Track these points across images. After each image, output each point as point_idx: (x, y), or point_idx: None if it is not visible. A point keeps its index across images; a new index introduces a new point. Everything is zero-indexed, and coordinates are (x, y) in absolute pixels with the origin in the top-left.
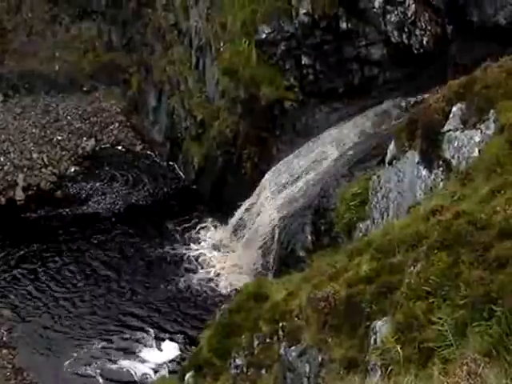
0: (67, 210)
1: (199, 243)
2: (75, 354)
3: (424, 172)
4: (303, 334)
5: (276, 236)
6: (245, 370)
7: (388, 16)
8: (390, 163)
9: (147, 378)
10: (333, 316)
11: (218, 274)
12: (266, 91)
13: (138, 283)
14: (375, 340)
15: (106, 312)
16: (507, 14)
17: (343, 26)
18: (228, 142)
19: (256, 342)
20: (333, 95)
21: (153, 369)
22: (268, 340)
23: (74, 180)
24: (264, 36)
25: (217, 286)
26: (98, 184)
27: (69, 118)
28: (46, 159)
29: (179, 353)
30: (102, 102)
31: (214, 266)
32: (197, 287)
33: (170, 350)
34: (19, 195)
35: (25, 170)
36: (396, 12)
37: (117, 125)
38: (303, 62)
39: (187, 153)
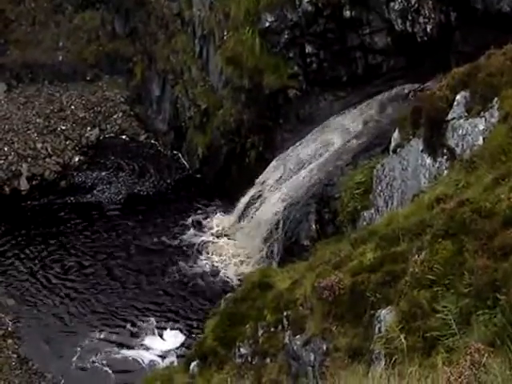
0: (72, 198)
1: (203, 232)
2: (80, 344)
3: (428, 160)
4: (308, 323)
5: (280, 225)
6: (249, 358)
7: (392, 4)
8: (394, 151)
9: (155, 364)
10: (337, 305)
11: (222, 263)
12: (270, 80)
13: (141, 271)
14: (379, 329)
15: (110, 301)
16: (511, 1)
17: (347, 14)
18: (232, 130)
19: (261, 331)
20: (337, 83)
21: (160, 356)
22: (272, 329)
23: (78, 169)
24: (267, 25)
25: (221, 274)
26: (103, 173)
27: (72, 107)
28: (49, 149)
29: (184, 341)
30: (105, 92)
31: (218, 255)
32: (200, 276)
33: (175, 338)
34: (23, 185)
35: (29, 159)
36: (400, 0)
37: (120, 114)
38: (307, 51)
39: (191, 142)
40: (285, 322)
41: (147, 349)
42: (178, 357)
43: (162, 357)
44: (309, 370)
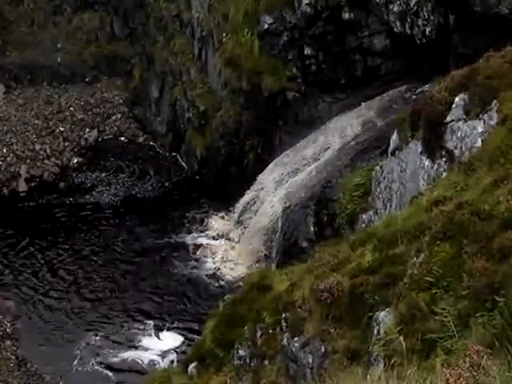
0: (71, 199)
1: (202, 233)
2: (78, 345)
3: (427, 162)
4: (306, 325)
5: (279, 226)
6: (248, 360)
7: (391, 6)
8: (393, 154)
9: (155, 364)
10: (336, 307)
11: (221, 265)
12: (269, 82)
13: (140, 273)
14: (378, 331)
15: (107, 302)
16: (510, 4)
17: (346, 16)
18: (231, 132)
19: (259, 333)
20: (335, 85)
21: (159, 355)
22: (271, 331)
23: (78, 170)
24: (266, 26)
25: (219, 276)
26: (103, 174)
27: (71, 109)
28: (48, 150)
29: (181, 341)
30: (104, 93)
31: (216, 257)
32: (199, 277)
33: (172, 338)
34: (22, 186)
35: (27, 161)
36: (398, 2)
37: (119, 116)
38: (306, 53)
39: (190, 144)
40: (283, 323)
41: (145, 349)
42: (178, 356)
43: (162, 356)
44: (307, 372)
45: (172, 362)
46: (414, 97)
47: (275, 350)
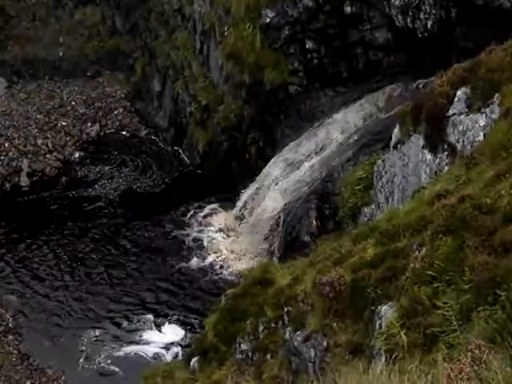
0: (73, 192)
1: (204, 228)
2: (80, 339)
3: (429, 156)
4: (308, 319)
5: (281, 221)
6: (250, 355)
7: (392, 0)
8: (395, 147)
9: (160, 357)
10: (338, 301)
11: (223, 259)
12: (270, 76)
13: (141, 267)
14: (380, 325)
15: (109, 296)
16: None
17: (347, 9)
18: (232, 126)
19: (261, 327)
20: (337, 79)
21: (163, 348)
22: (273, 325)
23: (80, 164)
24: (268, 20)
25: (221, 270)
26: (106, 168)
27: (73, 103)
28: (50, 145)
29: (184, 335)
30: (106, 88)
31: (218, 251)
32: (201, 271)
33: (174, 331)
34: (24, 181)
35: (29, 155)
36: None
37: (121, 110)
38: (307, 47)
39: (192, 138)
40: (285, 318)
41: (148, 343)
42: (181, 349)
43: (166, 349)
44: (309, 366)
45: (176, 355)
46: (415, 90)
47: (277, 344)
